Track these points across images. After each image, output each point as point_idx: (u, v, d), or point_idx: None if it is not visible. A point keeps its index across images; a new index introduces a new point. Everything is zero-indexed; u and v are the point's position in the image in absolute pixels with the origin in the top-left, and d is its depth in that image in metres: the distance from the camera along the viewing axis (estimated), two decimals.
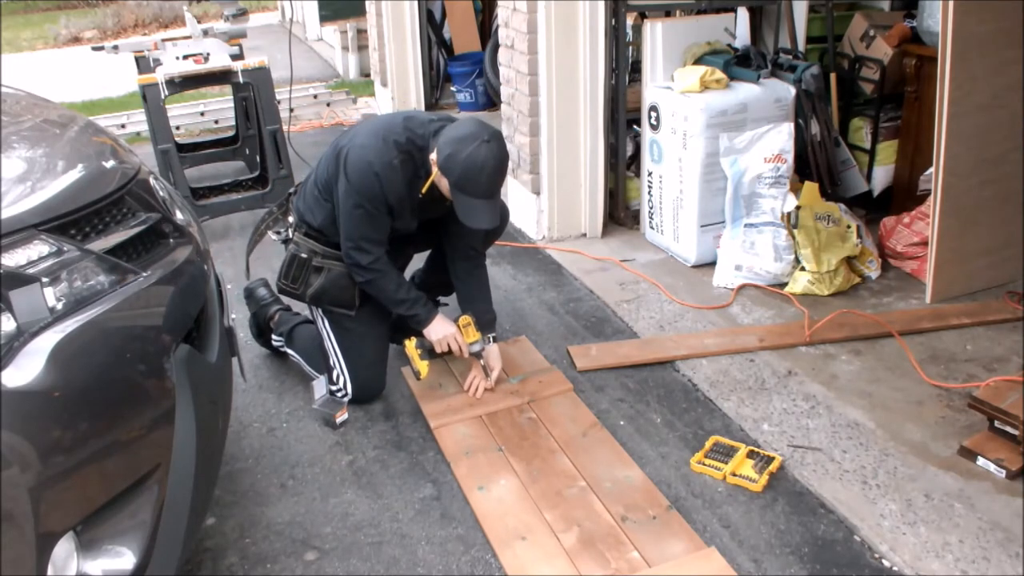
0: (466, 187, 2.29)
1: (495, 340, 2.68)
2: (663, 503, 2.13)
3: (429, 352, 2.58)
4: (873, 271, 3.30)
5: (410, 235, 2.63)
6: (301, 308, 2.97)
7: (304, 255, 2.54)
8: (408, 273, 2.94)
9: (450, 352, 2.58)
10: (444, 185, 2.35)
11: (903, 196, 3.66)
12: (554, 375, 2.72)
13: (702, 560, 1.93)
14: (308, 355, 2.75)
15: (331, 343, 2.60)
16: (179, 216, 1.90)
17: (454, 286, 2.72)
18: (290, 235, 2.60)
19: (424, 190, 2.41)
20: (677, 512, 2.10)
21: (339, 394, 2.62)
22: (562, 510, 2.13)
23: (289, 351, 2.83)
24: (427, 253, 2.95)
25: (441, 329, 2.55)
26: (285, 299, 2.80)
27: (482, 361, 2.63)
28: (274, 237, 2.70)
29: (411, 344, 2.58)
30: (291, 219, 2.64)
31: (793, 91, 3.41)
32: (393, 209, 2.43)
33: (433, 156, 2.34)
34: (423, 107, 6.25)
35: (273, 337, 2.89)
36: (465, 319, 2.59)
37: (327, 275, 2.53)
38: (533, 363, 2.80)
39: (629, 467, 2.28)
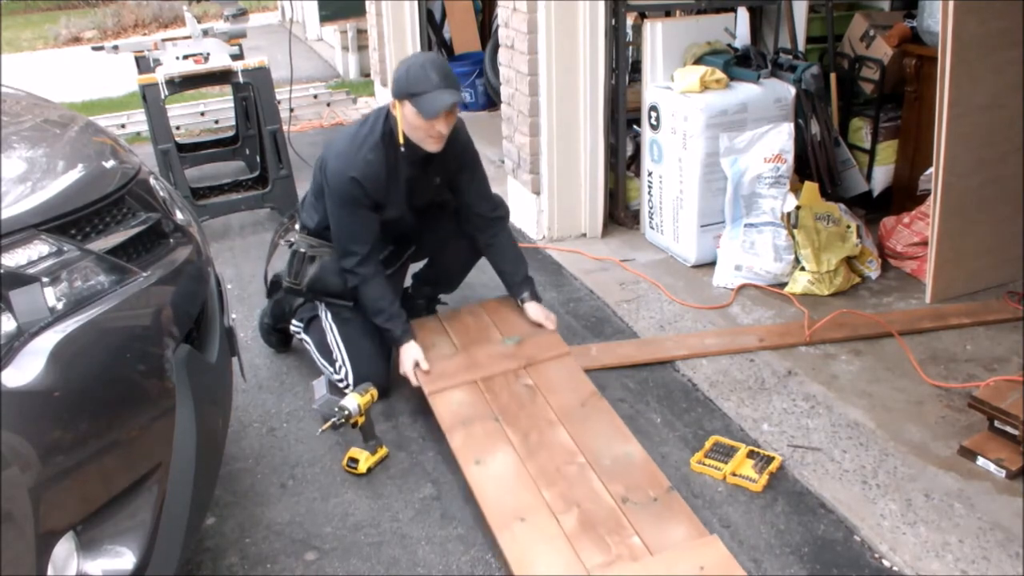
0: (418, 87, 2.35)
1: (534, 299, 2.75)
2: (664, 484, 2.10)
3: (372, 449, 2.38)
4: (873, 271, 3.30)
5: (409, 229, 2.70)
6: None
7: (302, 249, 2.67)
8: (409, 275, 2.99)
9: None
10: (410, 118, 2.39)
11: (903, 196, 3.66)
12: (551, 337, 2.69)
13: (704, 548, 1.90)
14: (321, 345, 2.78)
15: (333, 335, 2.68)
16: (179, 216, 1.90)
17: (488, 260, 2.81)
18: (293, 240, 2.73)
19: (401, 143, 2.46)
20: (678, 494, 2.08)
21: (341, 384, 2.65)
22: (561, 488, 2.09)
23: (305, 337, 2.84)
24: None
25: (409, 355, 2.55)
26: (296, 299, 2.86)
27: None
28: (283, 244, 2.82)
29: (353, 451, 2.38)
30: (297, 226, 2.79)
31: (793, 91, 3.41)
32: (379, 201, 2.52)
33: (395, 113, 2.44)
34: None
35: (293, 322, 2.90)
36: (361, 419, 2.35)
37: (319, 263, 2.64)
38: (529, 322, 2.75)
39: (628, 442, 2.26)
